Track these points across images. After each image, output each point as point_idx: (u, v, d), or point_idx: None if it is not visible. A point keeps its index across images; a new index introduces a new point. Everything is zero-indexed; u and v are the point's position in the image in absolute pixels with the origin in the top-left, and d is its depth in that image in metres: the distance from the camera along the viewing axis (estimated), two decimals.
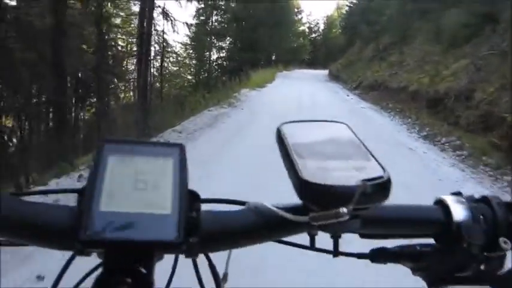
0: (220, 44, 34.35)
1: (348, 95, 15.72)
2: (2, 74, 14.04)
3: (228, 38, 33.93)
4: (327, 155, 0.43)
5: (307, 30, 49.46)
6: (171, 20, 14.45)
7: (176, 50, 41.50)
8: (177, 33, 25.02)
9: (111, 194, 0.38)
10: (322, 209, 0.38)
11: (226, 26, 33.73)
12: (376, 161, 0.43)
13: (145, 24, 9.92)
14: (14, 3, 15.94)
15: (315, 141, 0.46)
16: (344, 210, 0.37)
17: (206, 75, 33.44)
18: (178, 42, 34.44)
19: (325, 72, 29.45)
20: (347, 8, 39.89)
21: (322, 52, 46.88)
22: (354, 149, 0.46)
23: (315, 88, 17.90)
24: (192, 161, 0.89)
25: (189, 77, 37.68)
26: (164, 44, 21.89)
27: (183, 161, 0.43)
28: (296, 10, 43.33)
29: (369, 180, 0.39)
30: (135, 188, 0.39)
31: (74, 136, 16.81)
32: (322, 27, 51.10)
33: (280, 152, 0.45)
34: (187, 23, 14.34)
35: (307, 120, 0.52)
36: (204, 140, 6.23)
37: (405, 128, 8.66)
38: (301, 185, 0.39)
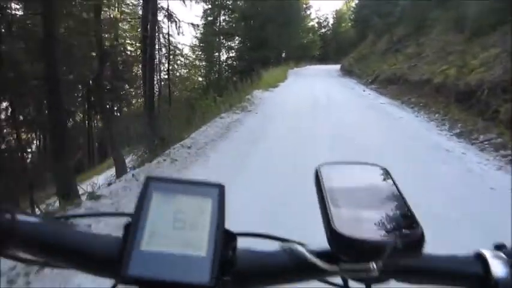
0: (229, 43, 33.87)
1: (364, 90, 15.04)
2: (13, 86, 13.71)
3: (237, 37, 33.40)
4: (361, 204, 0.44)
5: (316, 25, 48.62)
6: (176, 22, 13.91)
7: (185, 52, 41.29)
8: (183, 34, 24.52)
9: (152, 232, 0.41)
10: (353, 260, 0.40)
11: (234, 25, 33.20)
12: (411, 213, 0.43)
13: (148, 28, 9.39)
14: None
15: (351, 187, 0.46)
16: (374, 265, 0.39)
17: (217, 76, 33.01)
18: (185, 45, 34.16)
19: (337, 67, 28.70)
20: (357, 1, 39.19)
21: (333, 47, 46.06)
22: (391, 198, 0.45)
23: (328, 85, 17.25)
24: None
25: (200, 79, 37.32)
26: (170, 47, 21.38)
27: (222, 201, 0.45)
28: (305, 6, 42.56)
29: (401, 235, 0.40)
30: (174, 227, 0.42)
31: (73, 155, 16.43)
32: (331, 21, 50.27)
33: (316, 194, 0.46)
34: (193, 24, 13.82)
35: (347, 162, 0.50)
36: (216, 157, 5.49)
37: (434, 124, 7.99)
38: (333, 236, 0.41)
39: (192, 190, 0.45)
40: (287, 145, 6.06)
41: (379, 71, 17.27)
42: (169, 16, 12.75)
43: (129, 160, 11.48)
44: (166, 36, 19.77)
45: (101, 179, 11.37)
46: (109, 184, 5.36)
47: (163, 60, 26.09)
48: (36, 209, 6.76)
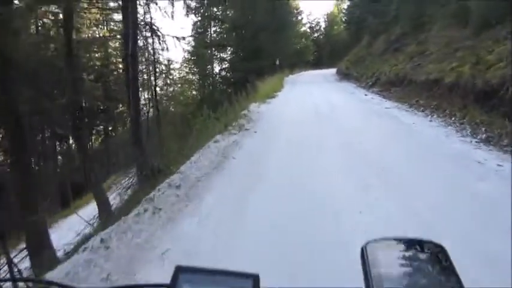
0: (221, 55, 33.16)
1: (365, 94, 14.22)
2: None
3: (229, 48, 32.68)
4: None
5: (308, 30, 48.14)
6: (159, 36, 13.05)
7: (177, 67, 40.57)
8: (167, 50, 23.56)
9: None
10: None
11: (225, 36, 32.51)
12: None
13: (130, 45, 8.59)
14: None
15: (400, 269, 0.43)
16: None
17: (211, 88, 32.25)
18: (172, 61, 33.44)
19: (333, 71, 28.00)
20: (348, 3, 38.60)
21: (327, 51, 45.51)
22: (444, 284, 0.41)
23: (327, 90, 16.47)
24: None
25: (194, 92, 36.59)
26: (157, 63, 20.54)
27: None
28: (296, 11, 42.00)
29: None
30: None
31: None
32: (323, 25, 49.74)
33: (363, 275, 0.43)
34: (177, 37, 13.03)
35: (396, 238, 0.47)
36: (210, 202, 4.42)
37: (453, 130, 7.14)
38: None
39: (225, 282, 0.43)
40: (293, 172, 5.22)
41: (379, 73, 16.49)
42: (153, 31, 11.86)
43: (113, 196, 10.50)
44: (152, 52, 18.80)
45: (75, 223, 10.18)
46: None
47: (152, 78, 25.26)
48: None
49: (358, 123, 8.42)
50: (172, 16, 14.68)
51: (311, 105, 11.71)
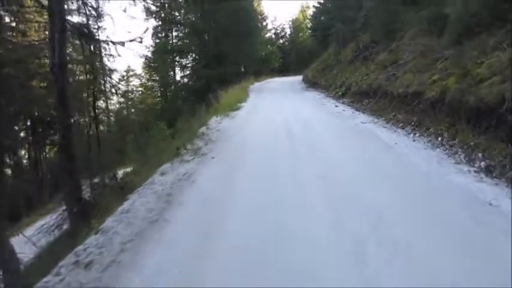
0: (182, 61, 31.72)
1: (336, 106, 13.27)
2: None
3: (191, 54, 31.31)
4: None
5: (273, 36, 47.32)
6: (94, 42, 11.46)
7: (139, 73, 38.81)
8: (110, 57, 21.68)
9: None
10: None
11: (187, 41, 31.14)
12: None
13: (56, 52, 7.19)
14: None
15: None
16: None
17: (172, 96, 30.77)
18: (131, 69, 31.78)
19: (299, 78, 27.15)
20: (314, 9, 38.02)
21: (292, 57, 44.85)
22: None
23: (295, 101, 15.46)
24: None
25: (156, 100, 34.97)
26: (103, 72, 18.85)
27: None
28: (260, 17, 41.10)
29: None
30: None
31: None
32: (288, 31, 49.05)
33: None
34: (113, 42, 11.59)
35: None
36: None
37: (443, 154, 6.17)
38: None
39: None
40: (262, 231, 3.91)
41: (349, 83, 15.62)
42: (83, 35, 10.29)
43: (39, 237, 8.79)
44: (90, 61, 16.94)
45: None
46: None
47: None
48: None
49: (335, 146, 7.30)
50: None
51: (280, 120, 10.57)
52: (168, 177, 5.66)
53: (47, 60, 27.18)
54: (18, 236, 8.85)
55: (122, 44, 11.21)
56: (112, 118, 34.76)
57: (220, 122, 10.70)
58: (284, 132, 8.77)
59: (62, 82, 7.70)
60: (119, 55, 21.20)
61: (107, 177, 9.75)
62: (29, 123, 28.17)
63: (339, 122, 10.10)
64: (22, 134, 30.12)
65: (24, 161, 29.58)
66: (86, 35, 9.83)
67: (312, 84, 22.38)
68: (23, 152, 30.34)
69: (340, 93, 15.56)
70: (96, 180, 12.10)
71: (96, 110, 29.03)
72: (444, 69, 8.73)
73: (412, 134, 7.74)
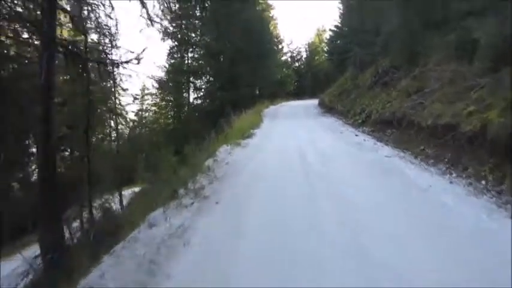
0: (197, 82, 31.23)
1: (356, 135, 12.34)
2: None
3: (206, 76, 30.82)
4: None
5: (289, 59, 46.82)
6: (83, 60, 10.70)
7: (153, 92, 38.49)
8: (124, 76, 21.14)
9: None
10: None
11: (202, 62, 30.69)
12: None
13: (42, 71, 6.47)
14: None
15: None
16: None
17: (185, 118, 30.13)
18: (146, 88, 31.43)
19: (315, 102, 26.31)
20: (330, 33, 37.49)
21: (308, 81, 44.20)
22: None
23: (311, 128, 14.57)
24: None
25: (169, 121, 34.37)
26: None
27: None
28: (276, 40, 40.67)
29: None
30: None
31: None
32: (304, 55, 48.54)
33: None
34: (111, 63, 10.93)
35: None
36: None
37: (492, 204, 5.16)
38: None
39: None
40: None
41: (369, 110, 14.71)
42: (70, 53, 9.50)
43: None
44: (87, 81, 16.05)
45: None
46: None
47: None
48: None
49: (359, 186, 6.33)
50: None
51: (295, 150, 9.66)
52: (157, 232, 4.67)
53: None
54: None
55: (117, 64, 10.59)
56: (125, 136, 34.50)
57: (230, 153, 9.81)
58: (300, 167, 7.83)
59: (47, 103, 6.95)
60: (130, 75, 20.59)
61: (102, 206, 8.88)
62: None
63: (360, 154, 9.15)
64: (33, 150, 29.79)
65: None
66: (74, 54, 9.12)
67: (328, 109, 21.52)
68: (33, 167, 29.91)
69: (359, 121, 14.64)
70: (94, 204, 11.26)
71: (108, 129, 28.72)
72: (480, 99, 7.79)
73: (447, 175, 6.75)
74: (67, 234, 7.77)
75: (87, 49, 12.48)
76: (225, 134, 13.10)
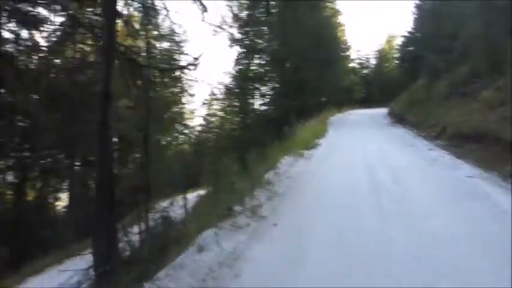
0: (262, 89, 31.10)
1: (430, 149, 11.32)
2: None
3: (271, 82, 30.62)
4: None
5: (357, 66, 45.46)
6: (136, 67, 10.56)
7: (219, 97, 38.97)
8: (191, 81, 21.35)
9: None
10: None
11: (268, 69, 30.53)
12: None
13: (102, 78, 6.33)
14: None
15: None
16: None
17: (250, 125, 30.07)
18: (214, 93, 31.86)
19: (383, 111, 25.06)
20: (402, 38, 35.93)
21: (376, 89, 42.57)
22: None
23: (380, 139, 13.71)
24: None
25: (234, 126, 34.53)
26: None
27: None
28: (344, 46, 39.62)
29: None
30: None
31: None
32: (373, 61, 46.91)
33: None
34: (165, 69, 10.85)
35: None
36: None
37: None
38: None
39: None
40: None
41: (445, 122, 13.54)
42: (126, 60, 9.41)
43: None
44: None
45: None
46: None
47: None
48: None
49: (440, 213, 5.54)
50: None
51: (363, 165, 8.97)
52: (206, 258, 4.26)
53: None
54: None
55: (171, 70, 10.51)
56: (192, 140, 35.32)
57: (292, 165, 9.32)
58: (369, 186, 7.16)
59: (105, 109, 6.89)
60: (196, 81, 20.82)
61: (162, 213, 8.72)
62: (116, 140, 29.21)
63: (436, 172, 8.27)
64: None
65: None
66: (129, 60, 9.10)
67: (398, 119, 20.34)
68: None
69: (433, 134, 13.54)
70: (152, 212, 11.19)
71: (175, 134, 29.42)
72: None
73: None
74: (125, 243, 7.66)
75: (150, 54, 12.61)
76: (288, 143, 12.63)
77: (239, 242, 4.76)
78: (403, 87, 27.27)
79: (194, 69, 10.07)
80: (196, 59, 9.81)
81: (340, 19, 39.23)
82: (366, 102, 37.67)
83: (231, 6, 26.19)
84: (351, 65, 43.51)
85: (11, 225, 23.59)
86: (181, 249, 4.89)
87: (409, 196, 6.39)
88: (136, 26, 12.87)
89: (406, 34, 33.45)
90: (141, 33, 12.96)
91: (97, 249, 6.60)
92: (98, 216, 6.93)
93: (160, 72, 11.01)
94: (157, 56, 19.26)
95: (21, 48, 25.56)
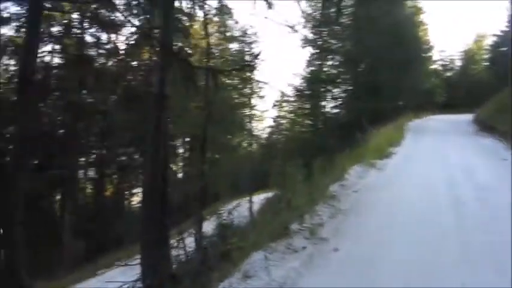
0: (334, 92, 30.00)
1: None
2: None
3: (344, 84, 29.45)
4: None
5: (440, 68, 42.43)
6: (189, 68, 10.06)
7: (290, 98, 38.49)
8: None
9: None
10: None
11: (341, 70, 29.38)
12: None
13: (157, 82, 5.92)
14: None
15: None
16: None
17: (320, 129, 29.13)
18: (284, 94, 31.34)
19: (468, 117, 22.81)
20: (493, 38, 32.96)
21: (460, 93, 39.43)
22: None
23: (465, 151, 12.17)
24: None
25: (303, 129, 33.76)
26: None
27: None
28: (425, 46, 37.16)
29: None
30: None
31: None
32: (458, 63, 43.50)
33: None
34: (222, 71, 10.36)
35: None
36: None
37: None
38: None
39: None
40: None
41: None
42: (179, 61, 8.86)
43: None
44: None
45: None
46: None
47: None
48: None
49: None
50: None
51: (444, 181, 7.80)
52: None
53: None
54: None
55: (228, 72, 10.06)
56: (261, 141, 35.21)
57: (362, 176, 8.37)
58: (451, 209, 6.02)
59: (159, 112, 6.53)
60: (266, 83, 20.49)
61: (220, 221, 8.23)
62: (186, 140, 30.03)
63: None
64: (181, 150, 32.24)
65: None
66: (182, 61, 8.68)
67: (485, 127, 18.31)
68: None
69: None
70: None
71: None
72: None
73: None
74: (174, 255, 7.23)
75: (210, 55, 12.30)
76: (358, 150, 11.65)
77: (292, 269, 4.02)
78: (492, 91, 24.78)
79: (253, 70, 9.56)
80: (254, 59, 9.29)
81: (423, 18, 36.93)
82: (448, 107, 35.03)
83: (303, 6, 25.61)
84: (433, 66, 40.75)
85: (90, 219, 24.85)
86: (228, 271, 4.30)
87: (502, 226, 5.23)
88: (205, 27, 12.69)
89: (499, 33, 30.57)
90: (202, 33, 12.74)
91: (145, 260, 6.24)
92: (146, 223, 6.58)
93: (215, 74, 10.64)
94: (224, 57, 19.09)
95: (100, 51, 27.02)
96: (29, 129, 7.81)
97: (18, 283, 6.67)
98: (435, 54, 41.55)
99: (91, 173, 30.25)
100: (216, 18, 21.43)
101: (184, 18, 13.61)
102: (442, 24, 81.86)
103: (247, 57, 23.19)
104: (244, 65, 10.05)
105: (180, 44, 12.48)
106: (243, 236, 6.48)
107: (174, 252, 6.81)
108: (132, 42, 25.03)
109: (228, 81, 29.09)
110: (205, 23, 12.21)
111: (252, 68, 9.73)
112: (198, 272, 5.39)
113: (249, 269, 3.95)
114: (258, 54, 15.35)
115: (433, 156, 11.40)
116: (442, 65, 43.25)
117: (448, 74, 43.09)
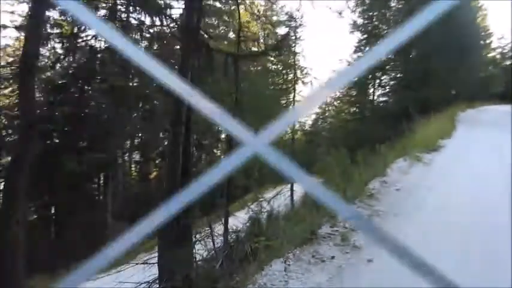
0: (383, 79, 28.72)
1: None
2: None
3: (393, 71, 28.09)
4: None
5: (499, 56, 39.64)
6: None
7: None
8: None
9: None
10: None
11: (391, 57, 27.97)
12: None
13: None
14: None
15: None
16: None
17: (367, 116, 28.03)
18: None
19: None
20: None
21: None
22: None
23: None
24: None
25: (349, 117, 32.76)
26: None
27: None
28: (484, 33, 34.78)
29: None
30: None
31: None
32: None
33: None
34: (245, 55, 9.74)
35: None
36: None
37: None
38: None
39: None
40: None
41: None
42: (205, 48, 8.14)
43: None
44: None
45: None
46: None
47: None
48: None
49: None
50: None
51: (501, 181, 6.94)
52: None
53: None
54: None
55: (254, 55, 9.50)
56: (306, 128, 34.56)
57: (406, 172, 7.60)
58: (509, 217, 5.27)
59: (179, 110, 6.12)
60: (310, 68, 19.74)
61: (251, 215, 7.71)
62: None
63: None
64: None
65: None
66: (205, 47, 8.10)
67: None
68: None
69: None
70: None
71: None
72: None
73: None
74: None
75: (241, 38, 11.73)
76: (404, 142, 10.84)
77: (317, 284, 3.48)
78: None
79: (277, 54, 9.01)
80: (278, 43, 8.75)
81: (482, 3, 34.54)
82: (505, 98, 32.73)
83: None
84: (491, 54, 38.19)
85: (134, 202, 25.32)
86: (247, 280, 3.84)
87: None
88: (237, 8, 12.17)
89: None
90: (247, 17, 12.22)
91: (163, 255, 5.88)
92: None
93: (236, 59, 10.07)
94: (257, 41, 18.55)
95: (144, 35, 27.09)
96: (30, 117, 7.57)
97: (18, 283, 6.57)
98: (494, 42, 38.90)
99: (136, 156, 30.88)
100: (261, 2, 20.86)
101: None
102: (502, 10, 76.77)
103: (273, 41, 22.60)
104: (266, 50, 9.46)
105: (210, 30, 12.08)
106: (274, 233, 5.98)
107: (199, 249, 6.33)
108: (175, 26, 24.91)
109: (272, 66, 28.55)
110: (238, 3, 11.70)
111: (279, 50, 9.13)
112: (217, 277, 4.94)
113: (267, 282, 3.44)
114: (284, 38, 14.54)
115: (486, 149, 10.35)
116: (501, 53, 40.45)
117: (507, 62, 40.28)
